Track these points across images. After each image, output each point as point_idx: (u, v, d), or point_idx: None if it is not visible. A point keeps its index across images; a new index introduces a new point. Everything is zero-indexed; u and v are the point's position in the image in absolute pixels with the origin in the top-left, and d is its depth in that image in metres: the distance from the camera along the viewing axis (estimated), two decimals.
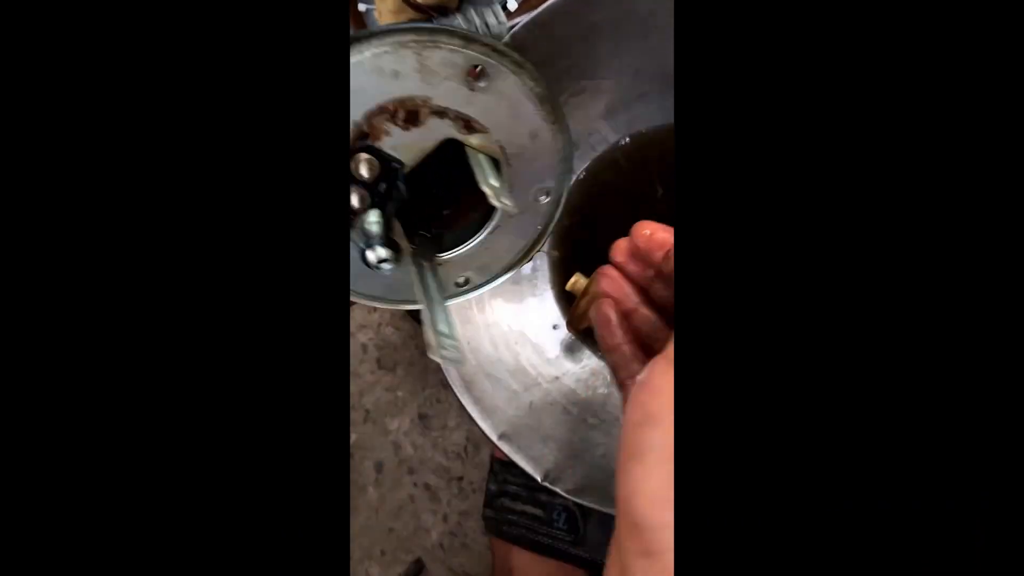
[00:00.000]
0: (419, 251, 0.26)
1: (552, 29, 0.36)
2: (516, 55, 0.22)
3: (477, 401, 0.41)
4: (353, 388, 0.70)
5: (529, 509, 0.45)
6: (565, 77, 0.39)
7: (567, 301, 0.47)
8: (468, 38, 0.21)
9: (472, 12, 0.26)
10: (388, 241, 0.23)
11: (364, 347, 0.69)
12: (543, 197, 0.26)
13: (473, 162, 0.24)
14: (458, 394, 0.42)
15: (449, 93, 0.22)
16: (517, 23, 0.37)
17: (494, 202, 0.23)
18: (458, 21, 0.26)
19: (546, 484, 0.37)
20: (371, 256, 0.24)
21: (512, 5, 0.39)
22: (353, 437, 0.70)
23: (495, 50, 0.22)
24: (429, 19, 0.47)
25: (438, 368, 0.63)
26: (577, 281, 0.43)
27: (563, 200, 0.27)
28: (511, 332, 0.46)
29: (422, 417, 0.64)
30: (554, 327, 0.47)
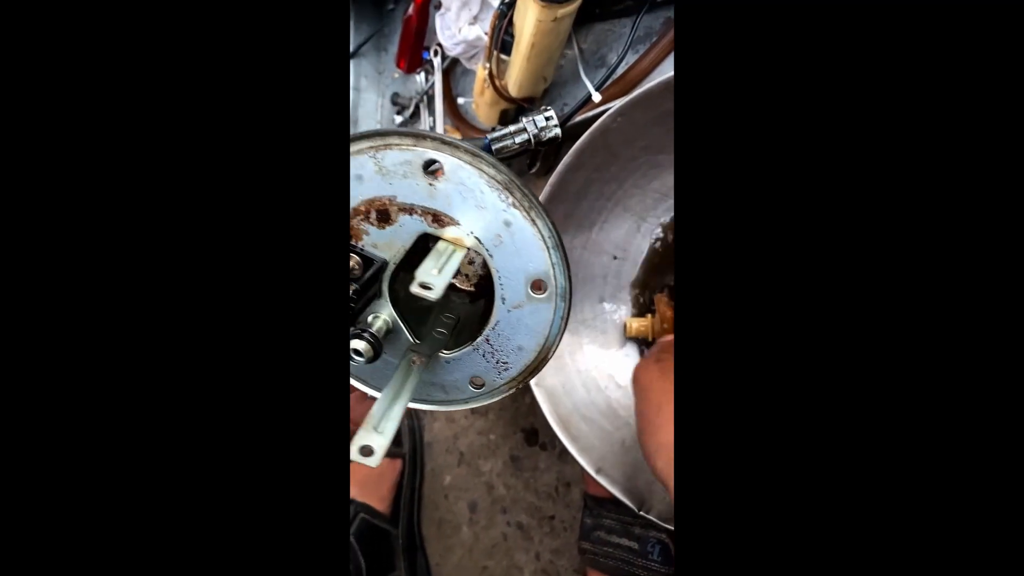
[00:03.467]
0: (419, 347, 0.26)
1: (632, 116, 0.43)
2: (469, 145, 0.22)
3: (574, 440, 0.46)
4: (448, 432, 0.75)
5: (624, 542, 0.49)
6: (643, 154, 0.46)
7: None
8: (417, 136, 0.22)
9: (526, 118, 0.30)
10: (371, 336, 0.24)
11: None
12: (539, 293, 0.24)
13: (433, 251, 0.24)
14: (557, 433, 0.47)
15: (411, 189, 0.23)
16: (605, 110, 0.43)
17: (414, 288, 0.22)
18: (511, 128, 0.29)
19: (642, 513, 0.41)
20: (352, 344, 0.24)
21: (596, 98, 0.46)
22: (448, 479, 0.75)
23: (445, 143, 0.22)
24: (520, 108, 0.55)
25: (528, 413, 0.68)
26: (629, 324, 0.49)
27: (570, 294, 0.24)
28: (601, 377, 0.51)
29: (514, 459, 0.69)
30: None
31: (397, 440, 0.75)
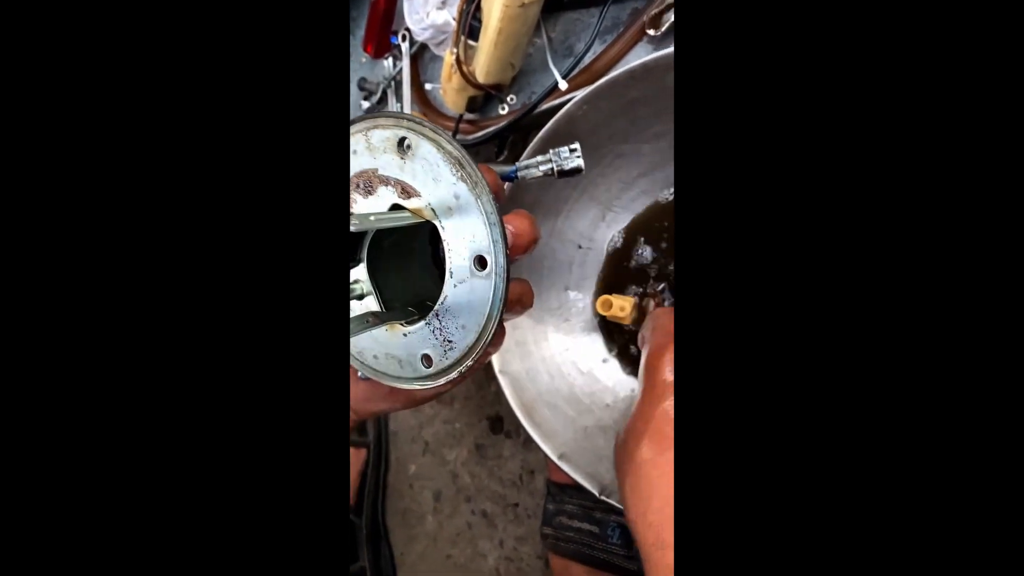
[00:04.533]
0: (379, 314, 0.29)
1: (598, 104, 0.43)
2: (433, 126, 0.25)
3: (537, 426, 0.47)
4: (413, 422, 0.75)
5: (585, 526, 0.49)
6: (608, 143, 0.46)
7: (611, 335, 0.52)
8: (397, 117, 0.26)
9: (552, 151, 0.32)
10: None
11: None
12: (481, 270, 0.26)
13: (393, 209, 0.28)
14: (521, 420, 0.47)
15: (388, 163, 0.27)
16: (571, 99, 0.43)
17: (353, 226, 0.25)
18: (538, 158, 0.32)
19: (603, 498, 0.42)
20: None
21: (563, 86, 0.46)
22: (412, 468, 0.75)
23: (416, 122, 0.26)
24: (487, 96, 0.55)
25: (494, 401, 0.68)
26: (610, 301, 0.48)
27: (505, 275, 0.25)
28: (565, 364, 0.51)
29: (479, 447, 0.69)
30: (604, 360, 0.52)
31: (362, 429, 0.75)
